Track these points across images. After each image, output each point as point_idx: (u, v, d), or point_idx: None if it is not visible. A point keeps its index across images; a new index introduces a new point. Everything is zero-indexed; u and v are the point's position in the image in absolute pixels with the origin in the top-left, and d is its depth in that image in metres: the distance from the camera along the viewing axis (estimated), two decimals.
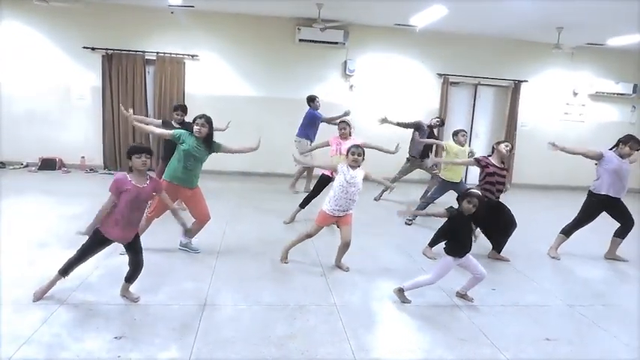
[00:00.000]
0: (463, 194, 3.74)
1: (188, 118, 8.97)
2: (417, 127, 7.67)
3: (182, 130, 4.50)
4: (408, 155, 7.77)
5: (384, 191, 7.71)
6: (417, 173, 8.07)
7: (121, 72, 8.75)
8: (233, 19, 8.93)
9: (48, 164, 8.70)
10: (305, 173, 8.11)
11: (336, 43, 9.00)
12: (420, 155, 7.64)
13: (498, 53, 9.79)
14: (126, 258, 3.55)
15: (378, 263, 4.77)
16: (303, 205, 6.06)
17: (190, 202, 4.57)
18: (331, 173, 5.59)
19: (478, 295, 4.00)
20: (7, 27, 8.49)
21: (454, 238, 3.76)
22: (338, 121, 6.38)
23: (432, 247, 5.06)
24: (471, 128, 10.24)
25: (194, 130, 4.44)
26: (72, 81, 8.80)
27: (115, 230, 3.34)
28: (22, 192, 6.88)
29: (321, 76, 9.38)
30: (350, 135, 6.01)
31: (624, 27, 7.73)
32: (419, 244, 5.50)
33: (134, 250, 3.48)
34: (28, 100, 8.71)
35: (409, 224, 6.38)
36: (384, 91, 9.59)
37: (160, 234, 4.75)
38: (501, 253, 5.13)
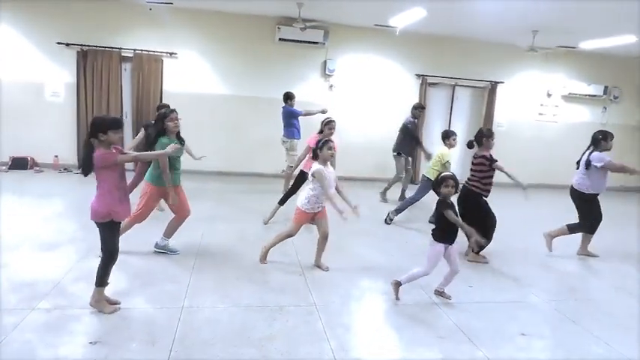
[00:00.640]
0: (438, 182, 3.81)
1: None
2: (407, 128, 7.73)
3: (162, 140, 4.30)
4: (394, 153, 7.83)
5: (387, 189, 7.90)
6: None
7: (96, 69, 8.56)
8: (212, 16, 8.84)
9: (19, 163, 8.45)
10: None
11: (316, 42, 9.00)
12: (408, 153, 7.75)
13: (475, 55, 9.94)
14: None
15: (357, 262, 4.79)
16: (281, 202, 6.04)
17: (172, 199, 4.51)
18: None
19: (456, 293, 4.05)
20: None
21: (440, 224, 3.82)
22: (326, 120, 6.31)
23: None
24: (449, 128, 10.35)
25: (171, 126, 4.33)
26: (45, 77, 8.57)
27: (124, 207, 3.31)
28: None
29: (300, 76, 9.36)
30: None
31: (595, 31, 7.94)
32: (398, 242, 5.55)
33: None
34: None
35: (389, 223, 6.41)
36: (363, 92, 9.63)
37: (136, 236, 4.67)
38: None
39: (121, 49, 8.61)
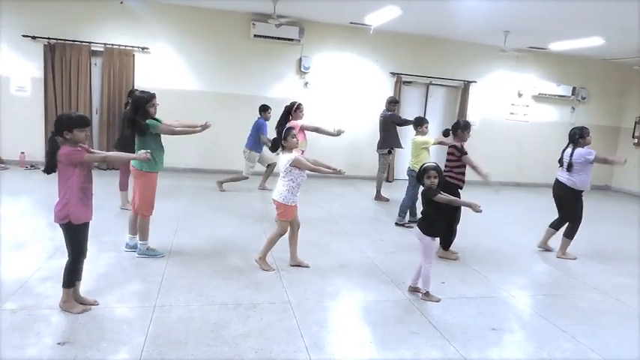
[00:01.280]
0: (420, 174, 3.88)
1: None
2: (392, 118, 7.80)
3: (151, 123, 4.26)
4: (384, 150, 7.85)
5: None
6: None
7: (64, 63, 8.33)
8: (186, 11, 8.71)
9: None
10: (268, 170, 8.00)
11: (292, 39, 8.97)
12: (399, 145, 7.89)
13: (449, 54, 10.08)
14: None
15: (332, 259, 4.80)
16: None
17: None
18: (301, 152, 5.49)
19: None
20: None
21: (429, 215, 3.90)
22: (295, 105, 6.41)
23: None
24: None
25: (152, 112, 4.30)
26: (10, 71, 8.29)
27: (86, 209, 3.19)
28: None
29: (275, 73, 9.31)
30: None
31: (564, 33, 8.15)
32: (373, 239, 5.59)
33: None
34: None
35: (409, 226, 6.28)
36: (338, 89, 9.65)
37: (106, 234, 4.58)
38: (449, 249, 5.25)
39: (90, 43, 8.39)
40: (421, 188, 4.02)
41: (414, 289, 4.08)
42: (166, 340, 3.00)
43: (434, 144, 6.14)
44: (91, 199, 3.26)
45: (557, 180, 5.54)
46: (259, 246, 4.76)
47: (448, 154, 5.15)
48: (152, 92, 4.38)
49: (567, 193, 5.42)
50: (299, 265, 4.48)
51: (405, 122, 7.72)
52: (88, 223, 3.25)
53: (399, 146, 7.95)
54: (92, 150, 3.37)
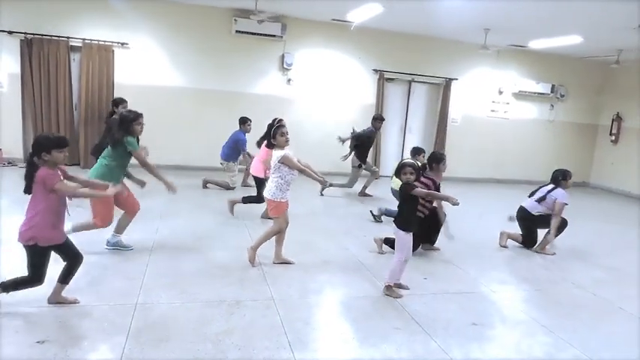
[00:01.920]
0: (397, 171, 3.89)
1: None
2: (365, 137, 7.79)
3: (129, 139, 4.29)
4: (356, 164, 7.81)
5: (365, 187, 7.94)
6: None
7: (42, 59, 8.15)
8: (166, 6, 8.60)
9: None
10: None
11: (274, 36, 8.93)
12: (364, 161, 7.84)
13: (431, 51, 10.16)
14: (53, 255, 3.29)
15: (315, 256, 4.81)
16: (245, 201, 5.98)
17: (121, 196, 4.37)
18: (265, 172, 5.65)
19: (410, 285, 4.15)
20: None
21: (403, 212, 3.92)
22: (276, 124, 6.24)
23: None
24: (405, 123, 10.57)
25: (138, 130, 4.33)
26: None
27: (55, 233, 3.12)
28: None
29: (258, 69, 9.27)
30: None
31: (544, 31, 8.29)
32: (356, 236, 5.62)
33: (67, 245, 3.24)
34: None
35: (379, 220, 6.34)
36: (321, 86, 9.66)
37: (86, 233, 4.49)
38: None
39: (69, 38, 8.24)
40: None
41: (398, 286, 4.10)
42: (148, 337, 2.98)
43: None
44: (63, 222, 3.21)
45: (521, 207, 5.77)
46: (243, 243, 4.76)
47: (421, 182, 4.58)
48: (139, 112, 4.38)
49: (525, 216, 5.69)
50: (283, 263, 4.48)
51: (369, 144, 7.86)
52: (54, 245, 3.15)
53: (365, 162, 7.88)
54: (70, 175, 3.30)
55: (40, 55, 8.13)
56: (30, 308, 3.21)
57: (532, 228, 5.71)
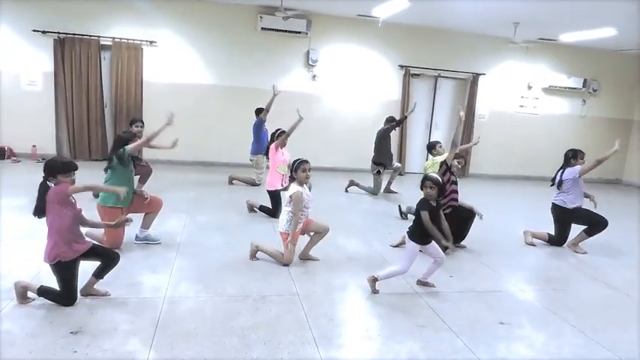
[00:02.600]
0: (422, 181, 3.86)
1: (148, 107, 8.79)
2: (386, 133, 7.67)
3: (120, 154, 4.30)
4: (377, 167, 7.65)
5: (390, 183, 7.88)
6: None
7: (74, 57, 8.39)
8: (192, 4, 8.72)
9: None
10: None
11: (299, 32, 8.95)
12: (390, 160, 7.73)
13: (458, 46, 10.00)
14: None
15: (340, 252, 4.81)
16: (262, 209, 6.02)
17: (139, 202, 4.49)
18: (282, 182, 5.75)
19: (436, 282, 4.11)
20: None
21: (416, 224, 3.84)
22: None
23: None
24: (431, 120, 10.45)
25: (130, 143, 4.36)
26: (21, 66, 8.37)
27: (75, 246, 3.22)
28: None
29: (283, 66, 9.31)
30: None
31: (576, 24, 8.06)
32: (380, 233, 5.59)
33: (94, 249, 3.36)
34: None
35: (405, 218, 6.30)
36: (346, 82, 9.63)
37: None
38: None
39: (99, 37, 8.44)
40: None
41: (423, 284, 4.08)
42: (176, 330, 3.04)
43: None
44: (80, 235, 3.32)
45: (553, 204, 5.63)
46: (268, 239, 4.80)
47: (453, 183, 4.97)
48: (133, 132, 4.49)
49: (558, 212, 5.54)
50: (308, 259, 4.51)
51: (399, 122, 7.72)
52: (76, 260, 3.24)
53: (389, 163, 7.67)
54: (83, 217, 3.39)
55: (72, 54, 8.36)
56: None
57: (567, 224, 5.52)
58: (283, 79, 9.31)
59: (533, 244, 5.60)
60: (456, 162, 5.05)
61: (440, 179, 3.91)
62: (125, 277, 3.77)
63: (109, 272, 3.42)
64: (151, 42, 8.68)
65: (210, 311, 3.35)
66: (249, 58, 9.13)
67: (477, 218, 5.15)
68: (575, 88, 10.68)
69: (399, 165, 8.36)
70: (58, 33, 8.27)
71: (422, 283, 4.08)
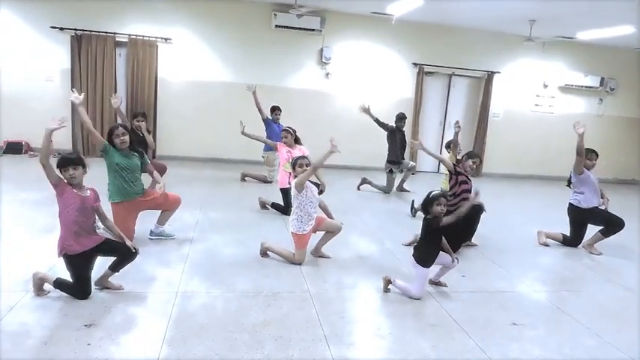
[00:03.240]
0: (430, 200, 3.72)
1: (162, 105, 8.86)
2: (391, 131, 7.64)
3: (109, 150, 4.32)
4: (390, 165, 7.63)
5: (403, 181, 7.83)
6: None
7: (90, 54, 8.48)
8: (207, 2, 8.76)
9: (13, 148, 8.42)
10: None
11: (313, 30, 8.94)
12: (400, 158, 7.67)
13: (472, 44, 9.91)
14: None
15: (351, 251, 4.81)
16: (274, 206, 6.01)
17: (156, 201, 4.52)
18: (289, 179, 5.58)
19: (448, 282, 4.08)
20: None
21: (424, 248, 3.78)
22: (282, 129, 6.33)
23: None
24: (445, 118, 10.38)
25: (117, 142, 4.31)
26: (39, 62, 8.49)
27: (81, 240, 3.26)
28: None
29: (297, 63, 9.31)
30: (296, 143, 5.99)
31: (593, 21, 7.93)
32: (392, 232, 5.57)
33: (108, 244, 3.40)
34: None
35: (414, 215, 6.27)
36: (360, 80, 9.60)
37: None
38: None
39: (115, 34, 8.53)
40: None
41: (435, 283, 4.06)
42: (188, 325, 3.07)
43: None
44: (90, 231, 3.34)
45: (570, 204, 5.54)
46: (280, 236, 4.82)
47: (464, 182, 4.97)
48: (117, 124, 4.49)
49: (574, 212, 5.47)
50: (321, 257, 4.51)
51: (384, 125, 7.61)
52: (86, 253, 3.27)
53: (399, 161, 7.62)
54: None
55: (88, 51, 8.46)
56: None
57: (582, 225, 5.45)
58: (296, 77, 9.32)
59: (547, 245, 5.54)
60: (470, 162, 5.02)
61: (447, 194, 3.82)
62: (139, 272, 3.81)
63: (125, 267, 3.46)
64: (166, 39, 8.74)
65: (222, 307, 3.37)
66: (262, 56, 9.15)
67: (483, 214, 5.09)
68: (591, 87, 10.51)
69: (414, 164, 8.28)
70: (75, 30, 8.37)
71: (434, 282, 4.06)
